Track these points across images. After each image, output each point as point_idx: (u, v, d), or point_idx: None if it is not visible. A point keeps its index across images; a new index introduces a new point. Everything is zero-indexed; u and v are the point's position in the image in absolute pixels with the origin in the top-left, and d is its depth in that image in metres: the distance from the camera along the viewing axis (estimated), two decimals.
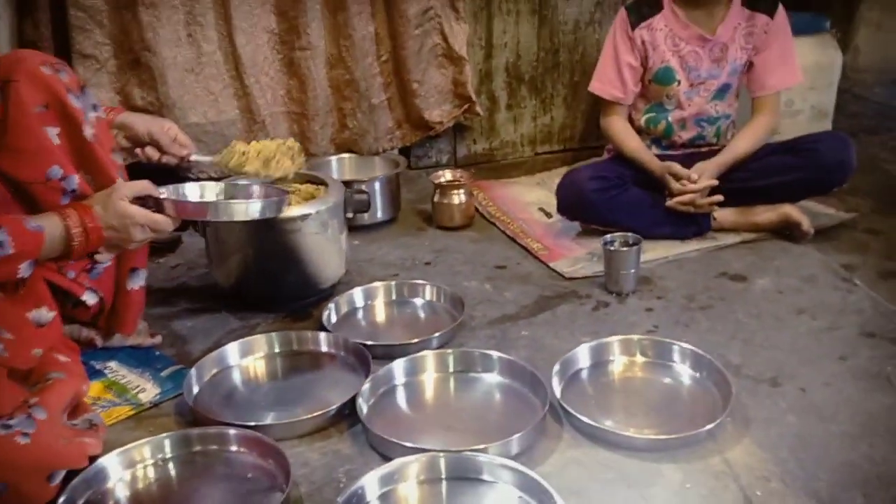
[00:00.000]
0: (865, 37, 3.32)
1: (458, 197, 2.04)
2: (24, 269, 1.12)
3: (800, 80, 1.99)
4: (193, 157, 1.46)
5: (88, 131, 1.26)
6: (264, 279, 1.59)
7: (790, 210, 1.93)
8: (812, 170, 1.88)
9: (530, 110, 2.44)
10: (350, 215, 1.68)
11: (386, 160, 2.18)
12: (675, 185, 1.89)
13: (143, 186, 1.25)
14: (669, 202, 1.89)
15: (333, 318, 1.59)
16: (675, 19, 1.91)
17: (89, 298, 1.35)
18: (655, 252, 1.87)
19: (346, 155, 2.21)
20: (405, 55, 2.16)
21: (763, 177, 1.91)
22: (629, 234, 1.73)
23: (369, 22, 2.12)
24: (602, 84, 2.00)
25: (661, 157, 1.97)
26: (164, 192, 1.30)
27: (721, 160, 1.91)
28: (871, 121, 2.90)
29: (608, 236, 1.73)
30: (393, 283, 1.70)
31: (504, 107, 2.42)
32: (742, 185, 1.92)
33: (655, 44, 1.92)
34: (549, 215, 2.10)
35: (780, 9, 1.92)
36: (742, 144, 1.94)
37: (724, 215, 1.96)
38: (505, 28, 2.32)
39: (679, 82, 1.94)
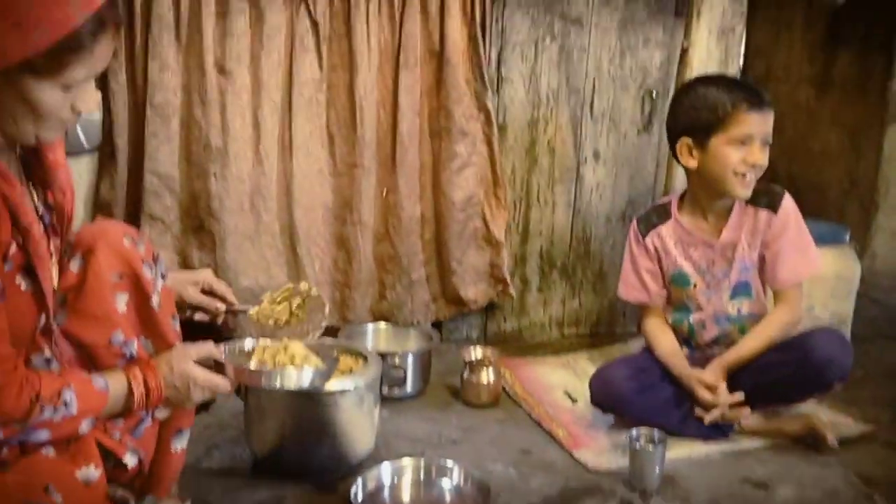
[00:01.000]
0: (883, 243, 3.45)
1: (487, 376, 2.10)
2: (84, 427, 1.17)
3: (814, 269, 2.01)
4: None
5: (155, 300, 1.35)
6: (297, 450, 1.63)
7: (816, 421, 1.96)
8: (805, 367, 1.88)
9: (560, 294, 2.55)
10: (385, 390, 1.74)
11: (420, 333, 2.27)
12: (704, 398, 1.92)
13: (208, 350, 1.32)
14: (699, 413, 1.92)
15: (360, 496, 1.60)
16: (681, 228, 2.03)
17: (130, 461, 1.38)
18: (680, 450, 1.89)
19: (381, 324, 2.30)
20: (447, 236, 2.30)
21: (762, 374, 1.93)
22: (655, 430, 1.77)
23: (417, 204, 2.28)
24: (627, 289, 2.11)
25: (688, 358, 2.02)
26: (224, 353, 1.36)
27: (724, 360, 1.95)
28: (890, 327, 2.96)
29: (634, 432, 1.76)
30: (421, 461, 1.73)
31: (535, 289, 2.53)
32: (744, 384, 1.93)
33: (667, 250, 2.04)
34: (573, 400, 2.14)
35: (785, 202, 2.00)
36: (749, 343, 1.96)
37: (749, 424, 1.98)
38: (541, 217, 2.47)
39: (695, 284, 2.03)
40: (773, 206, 1.98)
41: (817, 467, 1.88)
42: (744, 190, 1.91)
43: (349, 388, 1.61)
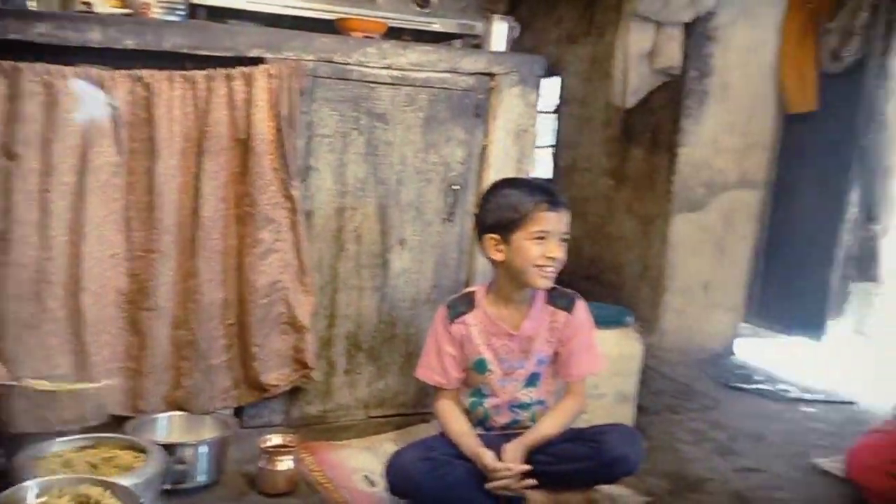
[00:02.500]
0: (670, 321, 3.80)
1: (285, 463, 2.09)
2: None
3: (601, 367, 2.25)
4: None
5: None
6: None
7: (596, 495, 2.11)
8: (598, 461, 2.05)
9: (366, 376, 2.60)
10: (167, 487, 1.70)
11: (216, 420, 2.23)
12: (489, 468, 2.02)
13: None
14: (487, 485, 2.02)
15: None
16: (485, 317, 2.15)
17: None
18: None
19: (175, 413, 2.24)
20: (250, 321, 2.30)
21: (559, 462, 2.08)
22: None
23: (219, 289, 2.27)
24: (427, 371, 2.20)
25: (482, 437, 2.12)
26: None
27: (526, 441, 2.08)
28: (674, 400, 3.22)
29: None
30: None
31: (342, 371, 2.56)
32: (544, 468, 2.08)
33: (470, 338, 2.15)
34: (373, 484, 2.18)
35: (579, 305, 2.19)
36: (547, 426, 2.12)
37: (535, 497, 2.09)
38: (349, 301, 2.53)
39: (493, 372, 2.16)
40: (570, 308, 2.18)
41: None
42: (544, 280, 2.08)
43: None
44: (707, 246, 3.78)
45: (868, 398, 3.25)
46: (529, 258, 2.04)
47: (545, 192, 2.10)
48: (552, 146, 4.84)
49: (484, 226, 2.14)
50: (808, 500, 2.36)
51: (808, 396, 3.34)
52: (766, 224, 3.90)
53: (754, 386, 3.43)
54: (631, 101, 3.52)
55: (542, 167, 5.22)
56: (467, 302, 2.19)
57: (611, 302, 3.38)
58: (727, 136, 3.69)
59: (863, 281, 3.87)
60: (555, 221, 2.05)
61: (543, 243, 2.04)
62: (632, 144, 4.06)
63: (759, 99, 3.71)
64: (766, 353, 3.93)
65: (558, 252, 2.06)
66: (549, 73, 4.76)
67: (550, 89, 5.02)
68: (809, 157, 3.71)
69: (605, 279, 4.15)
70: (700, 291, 3.81)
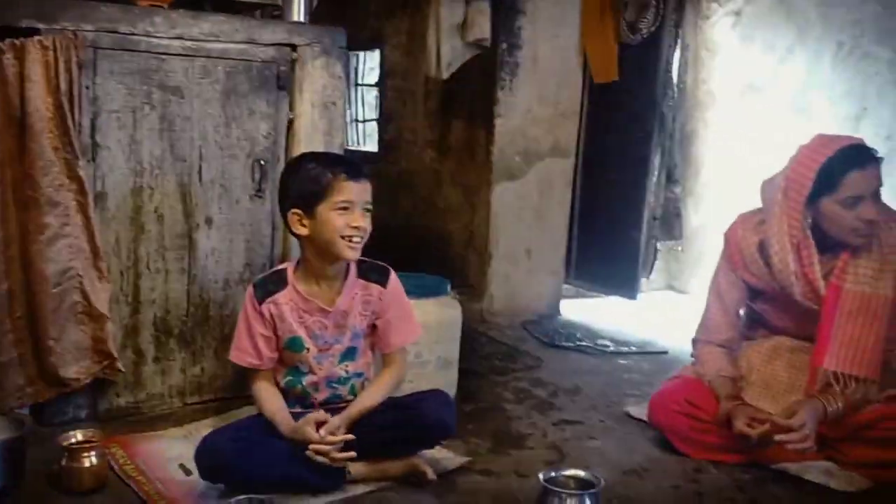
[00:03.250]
0: (497, 286, 3.93)
1: (90, 459, 1.98)
2: None
3: (417, 335, 2.29)
4: None
5: None
6: None
7: (416, 461, 2.15)
8: (416, 427, 2.11)
9: (179, 362, 2.49)
10: None
11: (10, 421, 2.07)
12: (309, 440, 2.00)
13: None
14: (307, 451, 2.00)
15: None
16: (297, 295, 2.13)
17: None
18: None
19: None
20: (42, 313, 2.15)
21: (380, 431, 2.10)
22: (254, 497, 1.81)
23: (3, 280, 2.10)
24: (239, 353, 2.15)
25: (302, 415, 2.10)
26: None
27: (348, 414, 2.09)
28: (500, 362, 3.34)
29: (233, 501, 1.79)
30: None
31: (151, 359, 2.45)
32: (365, 438, 2.10)
33: (283, 317, 2.12)
34: (188, 472, 2.10)
35: (392, 278, 2.21)
36: (368, 398, 2.14)
37: (357, 468, 2.11)
38: (153, 285, 2.41)
39: (308, 349, 2.13)
40: (383, 282, 2.19)
41: None
42: (351, 251, 2.06)
43: None
44: (527, 213, 3.92)
45: (678, 347, 3.50)
46: (335, 229, 2.03)
47: (345, 163, 2.10)
48: (377, 120, 4.84)
49: (286, 201, 2.11)
50: (619, 446, 2.51)
51: (623, 349, 3.56)
52: (580, 190, 4.10)
53: (576, 343, 3.61)
54: (446, 74, 3.57)
55: (369, 140, 5.23)
56: (277, 280, 2.15)
57: (442, 271, 3.43)
58: (539, 106, 3.83)
59: (668, 240, 4.17)
60: (357, 191, 2.05)
61: (347, 214, 2.04)
62: (452, 116, 4.14)
63: (567, 70, 3.87)
64: (588, 312, 4.16)
65: (363, 221, 2.06)
66: (371, 45, 4.75)
67: (373, 62, 5.01)
68: (615, 126, 3.93)
69: (435, 249, 4.22)
70: (523, 257, 3.95)
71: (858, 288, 2.25)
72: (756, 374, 2.45)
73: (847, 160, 2.21)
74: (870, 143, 3.57)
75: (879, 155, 2.26)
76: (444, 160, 4.24)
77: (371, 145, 5.06)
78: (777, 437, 2.16)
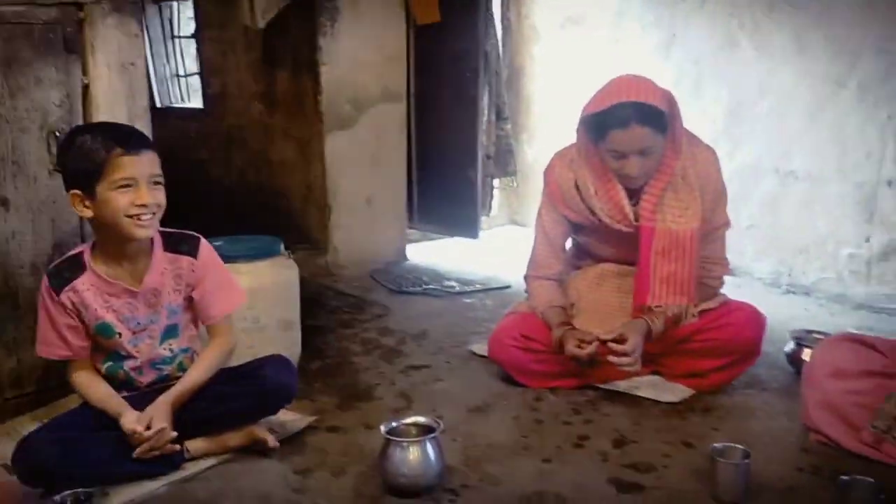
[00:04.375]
0: (340, 238, 3.88)
1: None
2: None
3: (242, 301, 2.20)
4: None
5: None
6: None
7: (255, 429, 2.10)
8: (256, 395, 2.07)
9: None
10: None
11: None
12: (129, 433, 1.92)
13: None
14: (135, 454, 1.92)
15: None
16: (97, 279, 1.98)
17: None
18: (124, 495, 1.89)
19: None
20: None
21: (218, 404, 2.05)
22: (80, 491, 1.73)
23: None
24: (47, 347, 2.00)
25: (130, 398, 2.00)
26: None
27: (170, 397, 2.00)
28: (348, 315, 3.32)
29: (58, 497, 1.70)
30: None
31: None
32: (203, 414, 2.04)
33: (85, 304, 1.97)
34: (10, 472, 1.97)
35: (203, 246, 2.09)
36: (195, 375, 2.06)
37: (195, 445, 2.05)
38: None
39: (120, 334, 2.01)
40: (193, 252, 2.06)
41: (257, 473, 2.02)
42: (142, 230, 1.92)
43: None
44: (364, 161, 3.87)
45: (519, 281, 3.60)
46: (118, 209, 1.87)
47: (122, 136, 1.91)
48: (199, 74, 4.59)
49: (66, 181, 1.93)
50: (464, 385, 2.58)
51: (468, 289, 3.64)
52: (415, 134, 4.09)
53: (423, 288, 3.65)
54: (261, 22, 3.41)
55: (193, 96, 4.96)
56: (73, 266, 1.98)
57: (282, 228, 3.35)
58: (365, 51, 3.75)
59: (503, 176, 4.26)
60: (138, 165, 1.88)
61: (131, 191, 1.87)
62: (276, 67, 3.99)
63: (390, 13, 3.80)
64: (434, 255, 4.20)
65: (150, 197, 1.90)
66: None
67: (189, 12, 4.72)
68: (442, 67, 3.92)
69: (273, 206, 4.11)
70: (364, 206, 3.92)
71: (668, 226, 2.37)
72: (585, 301, 2.56)
73: (611, 119, 2.26)
74: (679, 68, 3.80)
75: (662, 109, 2.26)
76: (273, 113, 4.10)
77: (196, 101, 4.81)
78: (611, 359, 2.29)
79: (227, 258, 2.29)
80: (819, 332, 2.63)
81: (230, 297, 2.16)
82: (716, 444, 1.90)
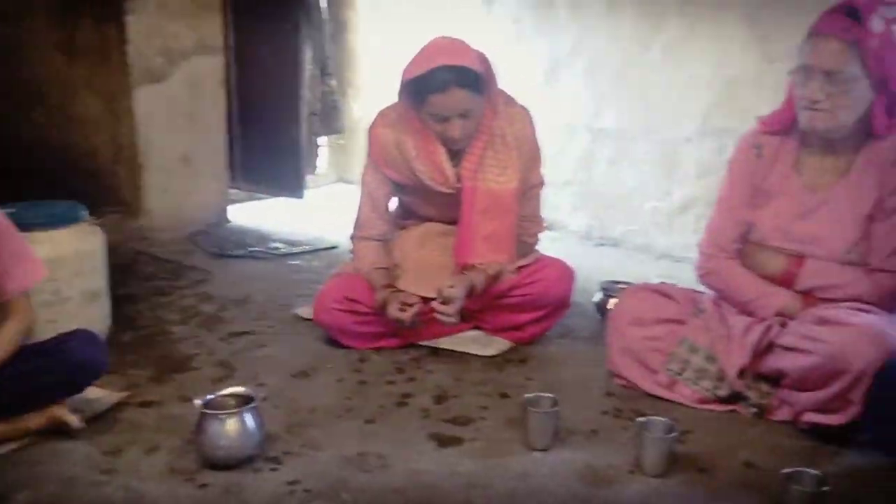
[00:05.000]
0: (154, 200, 3.67)
1: None
2: None
3: (41, 275, 2.05)
4: None
5: None
6: None
7: (56, 411, 1.96)
8: (60, 372, 1.94)
9: None
10: None
11: None
12: None
13: None
14: None
15: None
16: None
17: None
18: None
19: None
20: None
21: (15, 385, 1.89)
22: None
23: None
24: None
25: None
26: None
27: None
28: (164, 281, 3.16)
29: None
30: None
31: None
32: (1, 397, 1.88)
33: None
34: None
35: None
36: None
37: None
38: None
39: None
40: None
41: (59, 458, 1.88)
42: None
43: None
44: (178, 117, 3.66)
45: (347, 240, 3.58)
46: None
47: None
48: None
49: None
50: (288, 350, 2.54)
51: (295, 250, 3.57)
52: (236, 89, 3.91)
53: (247, 250, 3.54)
54: None
55: None
56: None
57: (90, 190, 3.11)
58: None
59: (329, 134, 4.19)
60: None
61: None
62: (78, 15, 3.66)
63: None
64: (259, 216, 4.08)
65: None
66: None
67: None
68: (262, 20, 3.76)
69: (81, 167, 3.81)
70: (180, 165, 3.72)
71: (488, 186, 2.43)
72: (410, 261, 2.58)
73: (430, 83, 2.26)
74: (500, 26, 3.87)
75: (478, 71, 2.29)
76: (74, 64, 3.76)
77: None
78: (435, 307, 2.33)
79: (23, 226, 2.11)
80: (624, 283, 2.79)
81: (26, 271, 1.99)
82: (528, 395, 1.99)
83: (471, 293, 2.40)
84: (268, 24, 3.73)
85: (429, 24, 3.76)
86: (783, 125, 2.12)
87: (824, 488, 1.63)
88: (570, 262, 2.65)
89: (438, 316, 2.34)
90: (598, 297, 2.83)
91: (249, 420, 1.84)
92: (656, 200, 3.54)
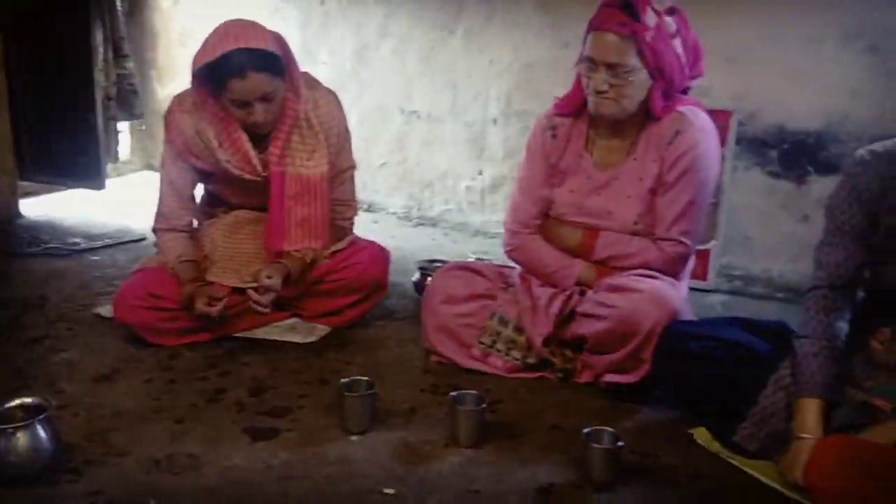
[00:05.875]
0: None
1: None
2: None
3: None
4: None
5: None
6: None
7: None
8: None
9: None
10: None
11: None
12: None
13: None
14: None
15: None
16: None
17: None
18: None
19: None
20: None
21: None
22: None
23: None
24: None
25: None
26: None
27: None
28: None
29: None
30: None
31: None
32: None
33: None
34: None
35: None
36: None
37: None
38: None
39: None
40: None
41: None
42: None
43: None
44: None
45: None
46: None
47: None
48: None
49: None
50: (90, 353, 2.37)
51: (96, 244, 3.34)
52: (21, 74, 3.59)
53: (42, 247, 3.28)
54: None
55: None
56: None
57: None
58: None
59: (129, 119, 3.95)
60: None
61: None
62: None
63: None
64: (56, 209, 3.79)
65: None
66: None
67: None
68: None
69: None
70: None
71: (298, 171, 2.39)
72: (220, 251, 2.49)
73: (226, 68, 2.18)
74: (306, 9, 3.80)
75: (274, 52, 2.22)
76: None
77: None
78: (249, 295, 2.28)
79: None
80: (441, 261, 2.86)
81: None
82: (344, 379, 1.99)
83: (287, 281, 2.37)
84: (53, 4, 3.43)
85: (232, 4, 3.62)
86: (574, 108, 2.25)
87: (619, 444, 1.76)
88: (389, 243, 2.66)
89: (253, 305, 2.29)
90: (416, 276, 2.88)
91: (41, 431, 1.71)
92: (469, 180, 3.65)
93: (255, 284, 2.30)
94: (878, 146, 1.74)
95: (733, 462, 1.84)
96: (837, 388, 1.75)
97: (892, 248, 1.72)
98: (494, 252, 3.37)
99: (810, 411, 1.71)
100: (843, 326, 1.77)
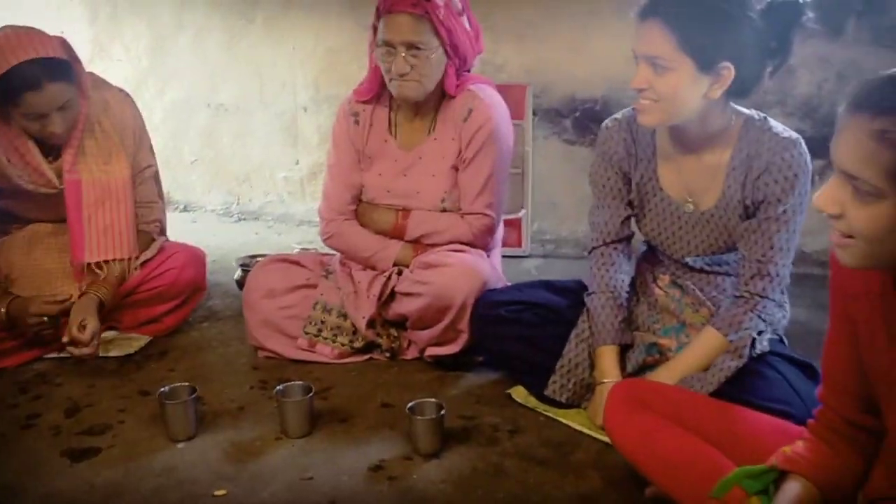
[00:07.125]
0: None
1: None
2: None
3: None
4: None
5: None
6: None
7: None
8: None
9: None
10: None
11: None
12: None
13: None
14: None
15: None
16: None
17: None
18: None
19: None
20: None
21: None
22: None
23: None
24: None
25: None
26: None
27: None
28: None
29: None
30: None
31: None
32: None
33: None
34: None
35: None
36: None
37: None
38: None
39: None
40: None
41: None
42: None
43: None
44: None
45: None
46: None
47: None
48: None
49: None
50: None
51: None
52: None
53: None
54: None
55: None
56: None
57: None
58: None
59: None
60: None
61: None
62: None
63: None
64: None
65: None
66: None
67: None
68: None
69: None
70: None
71: (95, 177, 2.28)
72: (18, 270, 2.35)
73: (18, 82, 2.05)
74: (93, 5, 3.60)
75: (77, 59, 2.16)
76: None
77: None
78: (72, 352, 2.16)
79: None
80: (262, 256, 2.83)
81: None
82: (163, 388, 1.95)
83: (101, 308, 2.26)
84: None
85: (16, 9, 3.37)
86: (373, 93, 2.30)
87: (441, 413, 1.85)
88: (210, 241, 2.61)
89: (75, 352, 2.16)
90: (238, 274, 2.83)
91: None
92: (286, 170, 3.63)
93: (67, 339, 2.17)
94: (619, 114, 1.96)
95: (548, 414, 1.99)
96: (628, 333, 1.94)
97: (642, 203, 1.93)
98: (319, 242, 3.38)
99: (607, 358, 1.89)
100: (623, 278, 1.97)
